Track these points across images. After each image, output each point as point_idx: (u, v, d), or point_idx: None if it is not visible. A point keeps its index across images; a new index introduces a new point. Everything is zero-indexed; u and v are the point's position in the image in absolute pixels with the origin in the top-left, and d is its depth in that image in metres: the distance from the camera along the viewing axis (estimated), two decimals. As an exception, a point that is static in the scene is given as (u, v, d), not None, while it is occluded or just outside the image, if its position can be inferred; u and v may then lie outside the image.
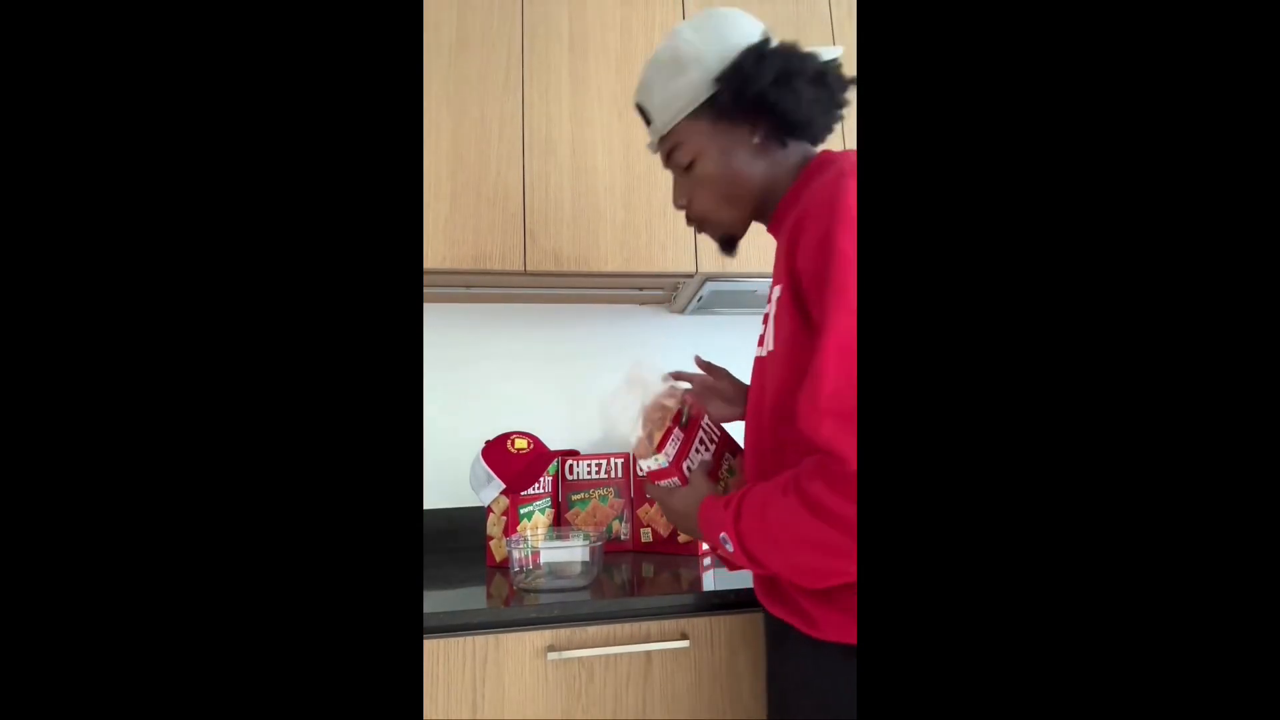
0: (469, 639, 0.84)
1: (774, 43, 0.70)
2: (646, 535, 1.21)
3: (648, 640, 0.87)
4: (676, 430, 0.76)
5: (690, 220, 0.78)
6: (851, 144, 1.31)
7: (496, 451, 1.14)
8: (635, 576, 1.02)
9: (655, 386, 0.78)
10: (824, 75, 0.70)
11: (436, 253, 1.14)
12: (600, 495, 1.23)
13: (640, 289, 1.37)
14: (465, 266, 1.14)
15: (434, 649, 0.83)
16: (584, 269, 1.19)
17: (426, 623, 0.84)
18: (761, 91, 0.67)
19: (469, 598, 0.93)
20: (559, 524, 1.20)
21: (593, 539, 0.98)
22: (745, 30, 0.72)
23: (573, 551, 0.97)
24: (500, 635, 0.85)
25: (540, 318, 1.46)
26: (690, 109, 0.71)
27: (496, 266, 1.15)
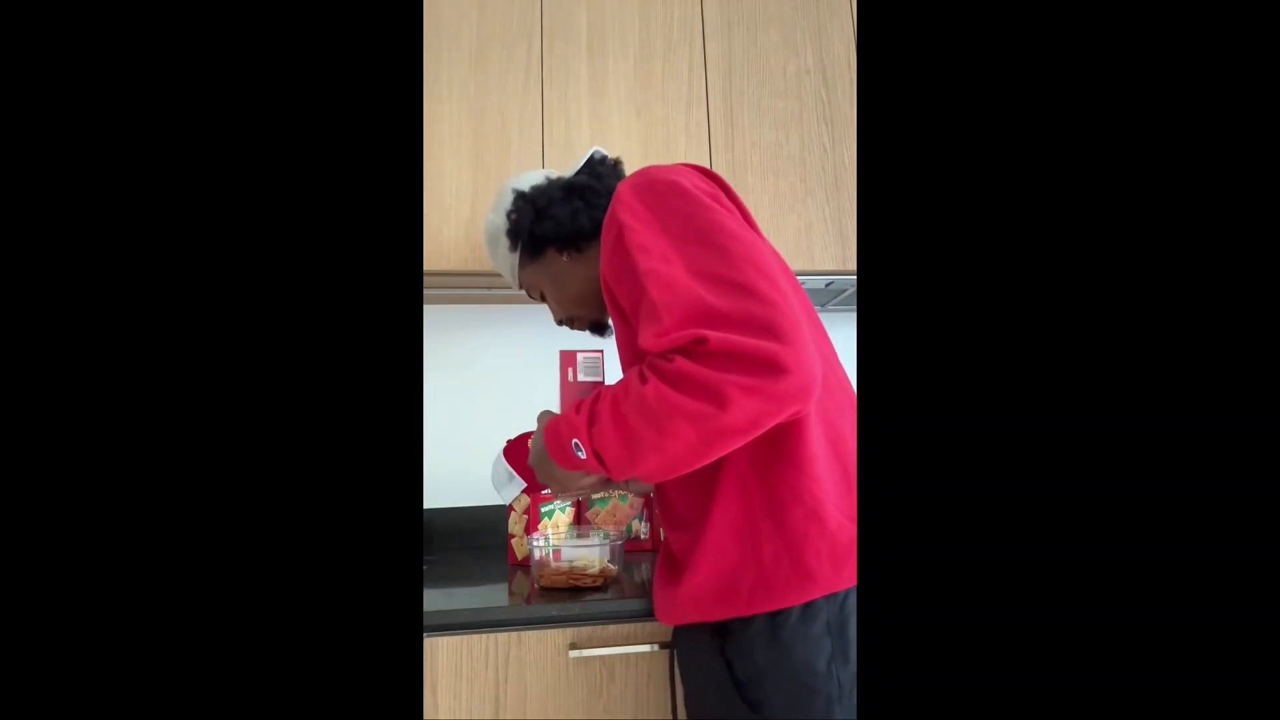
0: (492, 636, 0.85)
1: (528, 189, 0.86)
2: (666, 535, 1.21)
3: (668, 638, 0.87)
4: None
5: (572, 326, 0.94)
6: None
7: (518, 450, 1.15)
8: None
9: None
10: (572, 187, 0.83)
11: (458, 254, 1.15)
12: (620, 495, 1.24)
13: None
14: (487, 268, 1.15)
15: (457, 645, 0.84)
16: (604, 270, 1.19)
17: (450, 620, 0.85)
18: (533, 234, 0.84)
19: (491, 595, 0.94)
20: (579, 523, 1.21)
21: (613, 538, 0.98)
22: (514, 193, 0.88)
23: (593, 550, 0.97)
24: (522, 633, 0.85)
25: (560, 318, 1.47)
26: (516, 265, 0.89)
27: (517, 268, 1.16)
